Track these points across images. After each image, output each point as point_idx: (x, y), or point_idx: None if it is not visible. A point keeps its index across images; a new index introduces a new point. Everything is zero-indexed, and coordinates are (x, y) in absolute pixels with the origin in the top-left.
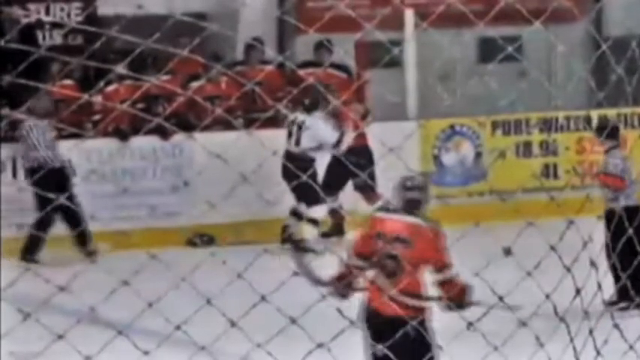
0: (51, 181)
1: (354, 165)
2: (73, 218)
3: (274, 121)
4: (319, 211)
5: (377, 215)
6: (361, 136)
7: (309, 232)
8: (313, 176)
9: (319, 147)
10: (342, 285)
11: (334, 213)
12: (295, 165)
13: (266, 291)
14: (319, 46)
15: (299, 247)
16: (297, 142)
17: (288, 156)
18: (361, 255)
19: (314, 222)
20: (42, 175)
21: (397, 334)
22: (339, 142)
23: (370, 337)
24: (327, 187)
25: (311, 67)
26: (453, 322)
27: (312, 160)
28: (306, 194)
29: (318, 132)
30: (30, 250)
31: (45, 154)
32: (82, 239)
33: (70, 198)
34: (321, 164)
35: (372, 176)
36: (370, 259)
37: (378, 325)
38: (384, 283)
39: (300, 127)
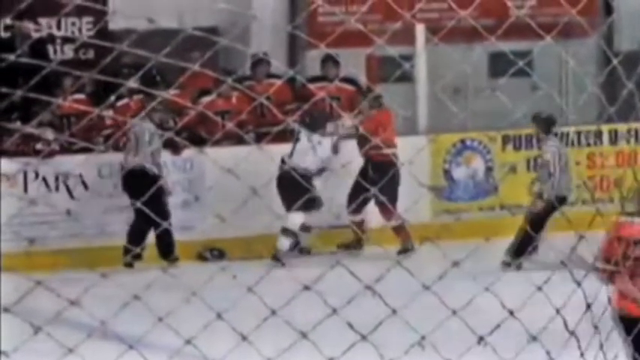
0: (144, 186)
1: (376, 181)
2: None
3: (283, 136)
4: (296, 219)
5: (621, 220)
6: (386, 153)
7: (281, 243)
8: (308, 183)
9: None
10: (608, 273)
11: (359, 225)
12: (291, 180)
13: (276, 305)
14: (326, 61)
15: (276, 258)
16: (291, 155)
17: (282, 169)
18: (608, 259)
19: (289, 232)
20: (134, 180)
21: None
22: (334, 151)
23: (623, 337)
24: (351, 201)
25: (319, 81)
26: (464, 336)
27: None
28: (294, 199)
29: (323, 153)
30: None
31: (143, 159)
32: (166, 248)
33: (163, 206)
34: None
35: (393, 193)
36: (616, 262)
37: (630, 327)
38: (631, 285)
39: (297, 140)
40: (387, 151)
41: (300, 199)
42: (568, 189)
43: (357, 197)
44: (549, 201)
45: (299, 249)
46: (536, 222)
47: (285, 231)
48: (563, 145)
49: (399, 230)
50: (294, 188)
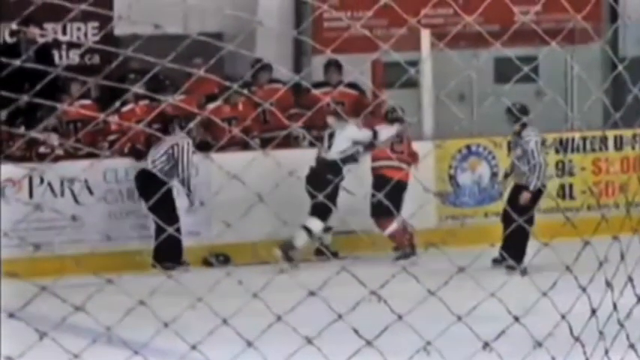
0: (156, 188)
1: (385, 195)
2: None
3: (287, 141)
4: (317, 225)
5: None
6: (374, 167)
7: (301, 239)
8: (335, 190)
9: (354, 147)
10: None
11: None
12: (322, 173)
13: (282, 311)
14: (329, 66)
15: (288, 257)
16: (328, 148)
17: (318, 163)
18: None
19: (309, 231)
20: (146, 182)
21: None
22: (374, 138)
23: None
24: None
25: (322, 87)
26: (469, 341)
27: (339, 170)
28: (318, 204)
29: (350, 133)
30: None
31: (182, 173)
32: (171, 251)
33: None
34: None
35: (386, 207)
36: None
37: None
38: None
39: (331, 135)
40: (375, 164)
41: (323, 201)
42: (546, 176)
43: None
44: (536, 191)
45: (324, 249)
46: (527, 218)
47: (305, 229)
48: (538, 133)
49: (393, 237)
50: (320, 188)
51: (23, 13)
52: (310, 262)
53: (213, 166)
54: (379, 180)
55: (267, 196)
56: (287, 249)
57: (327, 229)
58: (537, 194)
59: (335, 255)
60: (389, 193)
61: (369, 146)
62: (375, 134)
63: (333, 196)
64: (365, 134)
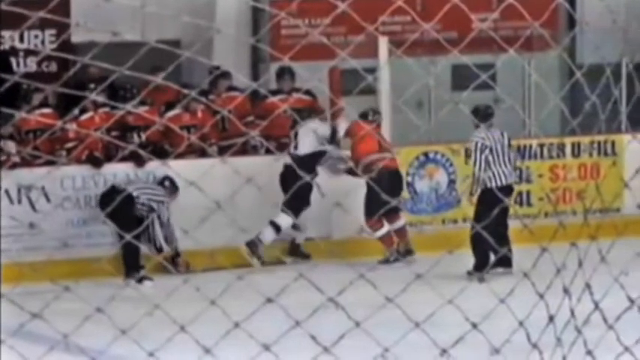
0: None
1: (387, 188)
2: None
3: (245, 149)
4: (286, 221)
5: None
6: (392, 160)
7: (268, 235)
8: (307, 187)
9: (322, 145)
10: None
11: (398, 232)
12: (293, 172)
13: (240, 317)
14: (282, 74)
15: (256, 254)
16: (296, 147)
17: (292, 159)
18: None
19: (277, 228)
20: (110, 196)
21: None
22: (333, 135)
23: None
24: (370, 212)
25: (277, 94)
26: (427, 348)
27: (311, 167)
28: (290, 201)
29: (316, 131)
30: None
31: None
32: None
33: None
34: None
35: (365, 205)
36: None
37: None
38: None
39: (296, 135)
40: (372, 158)
41: (298, 198)
42: (509, 175)
43: (376, 209)
44: (484, 193)
45: (294, 249)
46: (482, 217)
47: (272, 225)
48: (498, 135)
49: (381, 240)
50: (292, 184)
51: None
52: (269, 268)
53: (171, 173)
54: (382, 172)
55: (225, 204)
56: (254, 245)
57: (296, 227)
58: (487, 198)
59: (307, 257)
60: (393, 182)
61: (332, 142)
62: (334, 130)
63: (306, 193)
64: (326, 128)
